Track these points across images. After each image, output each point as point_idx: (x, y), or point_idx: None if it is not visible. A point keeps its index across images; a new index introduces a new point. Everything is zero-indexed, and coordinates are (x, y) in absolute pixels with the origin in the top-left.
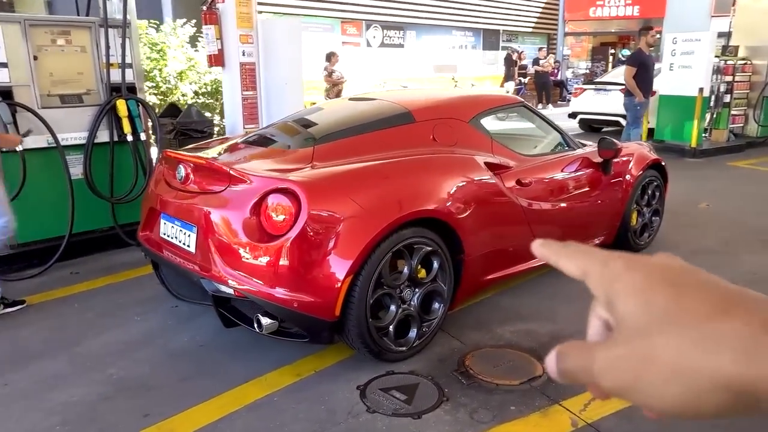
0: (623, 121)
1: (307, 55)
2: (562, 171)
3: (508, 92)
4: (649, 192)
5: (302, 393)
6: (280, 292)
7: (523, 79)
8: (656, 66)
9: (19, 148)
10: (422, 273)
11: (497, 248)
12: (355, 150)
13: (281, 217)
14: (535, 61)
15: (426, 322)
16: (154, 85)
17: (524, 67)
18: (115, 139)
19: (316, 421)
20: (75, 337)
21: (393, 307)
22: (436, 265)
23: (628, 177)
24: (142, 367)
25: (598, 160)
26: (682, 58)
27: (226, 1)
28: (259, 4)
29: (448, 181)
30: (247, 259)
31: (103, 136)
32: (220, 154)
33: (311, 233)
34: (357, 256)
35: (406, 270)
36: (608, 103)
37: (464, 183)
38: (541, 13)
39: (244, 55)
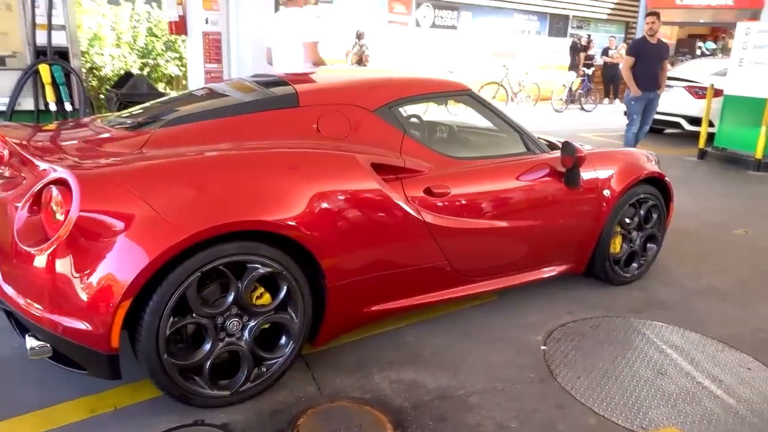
0: (686, 123)
1: (347, 34)
2: (503, 179)
3: (565, 85)
4: (642, 213)
5: None
6: (42, 311)
7: (587, 70)
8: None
9: None
10: (265, 299)
11: (384, 274)
12: (207, 136)
13: (61, 216)
14: (605, 51)
15: (267, 361)
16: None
17: (591, 57)
18: (41, 107)
19: None
20: None
21: (209, 342)
22: (282, 291)
23: (606, 192)
24: None
25: (562, 169)
26: (754, 53)
27: None
28: None
29: (302, 185)
30: (14, 264)
31: (27, 103)
32: (54, 133)
33: (81, 239)
34: (137, 276)
35: (231, 295)
36: (670, 101)
37: (328, 188)
38: None
39: (207, 23)
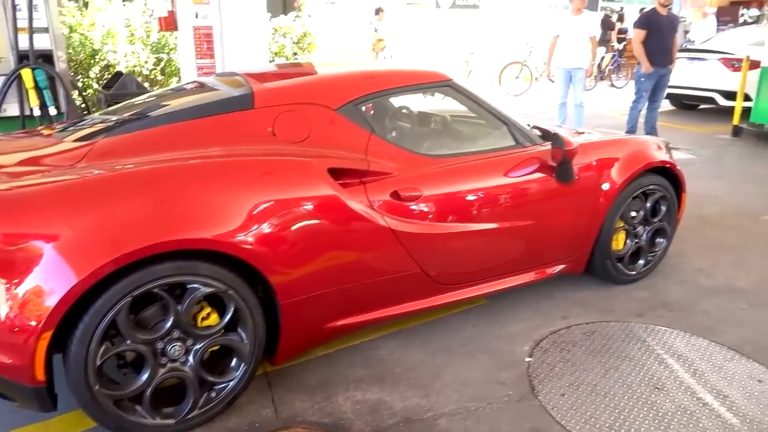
0: (720, 98)
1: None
2: (483, 177)
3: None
4: (648, 205)
5: None
6: None
7: (617, 45)
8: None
9: None
10: (212, 320)
11: (346, 287)
12: (151, 146)
13: None
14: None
15: (217, 385)
16: None
17: (624, 31)
18: (27, 112)
19: None
20: None
21: (147, 369)
22: (229, 312)
23: (605, 186)
24: None
25: (554, 163)
26: None
27: None
28: None
29: (242, 196)
30: None
31: (13, 109)
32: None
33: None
34: (57, 305)
35: (170, 319)
36: (703, 75)
37: (274, 198)
38: None
39: (197, 17)
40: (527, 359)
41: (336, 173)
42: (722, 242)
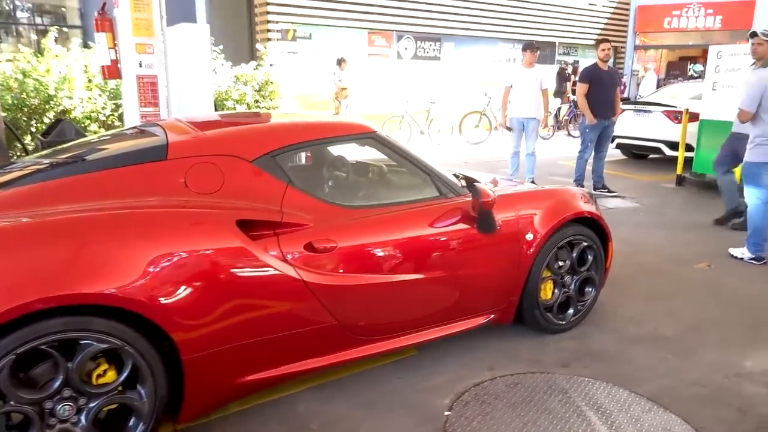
0: (666, 149)
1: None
2: (401, 229)
3: (550, 112)
4: (575, 255)
5: None
6: None
7: (572, 96)
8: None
9: None
10: (109, 376)
11: (257, 340)
12: (58, 197)
13: None
14: None
15: None
16: None
17: None
18: None
19: None
20: None
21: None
22: (126, 369)
23: (529, 236)
24: None
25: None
26: (727, 76)
27: (120, 5)
28: (278, 14)
29: (139, 249)
30: None
31: None
32: None
33: None
34: None
35: (59, 378)
36: (648, 126)
37: (175, 251)
38: (606, 23)
39: (141, 66)
40: (446, 413)
41: (248, 225)
42: (655, 290)
